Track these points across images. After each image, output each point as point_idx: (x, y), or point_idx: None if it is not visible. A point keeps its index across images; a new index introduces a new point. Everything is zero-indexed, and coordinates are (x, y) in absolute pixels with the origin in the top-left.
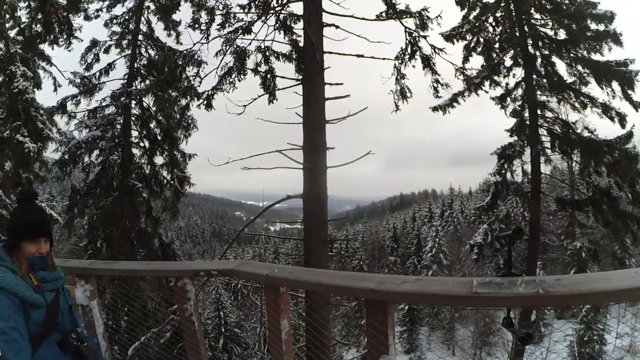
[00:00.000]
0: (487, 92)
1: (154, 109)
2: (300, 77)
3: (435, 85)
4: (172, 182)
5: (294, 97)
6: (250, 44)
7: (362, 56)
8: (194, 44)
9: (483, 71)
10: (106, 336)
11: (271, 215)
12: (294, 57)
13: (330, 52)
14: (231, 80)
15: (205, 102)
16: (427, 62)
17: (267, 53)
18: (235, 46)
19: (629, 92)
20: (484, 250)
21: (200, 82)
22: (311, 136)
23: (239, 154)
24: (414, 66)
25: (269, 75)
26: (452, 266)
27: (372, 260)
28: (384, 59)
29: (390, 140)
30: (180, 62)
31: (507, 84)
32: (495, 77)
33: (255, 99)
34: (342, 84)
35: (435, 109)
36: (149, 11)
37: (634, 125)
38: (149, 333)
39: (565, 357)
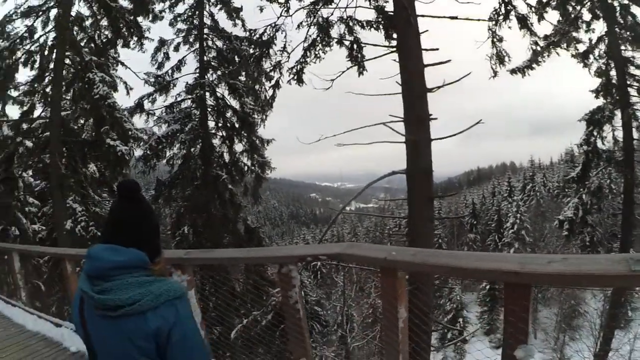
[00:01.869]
0: (567, 49)
1: (228, 98)
2: (394, 44)
3: (534, 47)
4: (253, 167)
5: (382, 69)
6: (332, 13)
7: (456, 18)
8: (278, 18)
9: (560, 27)
10: (204, 325)
11: (346, 195)
12: (382, 23)
13: (423, 15)
14: (316, 52)
15: (295, 76)
16: (524, 23)
17: (351, 23)
18: (317, 17)
19: None
20: (574, 227)
21: (288, 57)
22: (414, 106)
23: (316, 137)
24: (510, 27)
25: (355, 46)
26: (535, 243)
27: (450, 238)
28: (478, 20)
29: (466, 110)
30: (265, 38)
31: (590, 39)
32: (575, 34)
33: (344, 72)
34: (437, 49)
35: (513, 71)
36: (210, 3)
37: None
38: (251, 316)
39: None
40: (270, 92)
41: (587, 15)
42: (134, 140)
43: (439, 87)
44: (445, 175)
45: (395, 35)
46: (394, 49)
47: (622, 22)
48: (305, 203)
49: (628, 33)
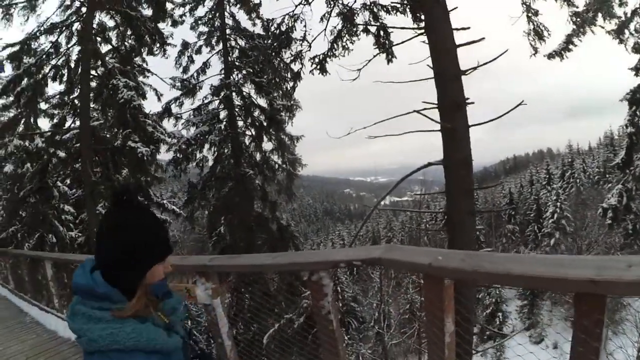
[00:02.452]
0: (602, 27)
1: (255, 97)
2: (422, 26)
3: (575, 19)
4: (284, 165)
5: (412, 54)
6: (355, 1)
7: None
8: (296, 7)
9: (592, 4)
10: (231, 335)
11: (381, 189)
12: (408, 5)
13: None
14: (343, 44)
15: (318, 65)
16: None
17: (375, 9)
18: (340, 6)
19: None
20: (619, 214)
21: (309, 46)
22: (448, 90)
23: (344, 132)
24: None
25: (381, 32)
26: (576, 233)
27: (488, 230)
28: None
29: (497, 96)
30: (284, 28)
31: (624, 13)
32: (609, 9)
33: (370, 60)
34: (469, 28)
35: (550, 55)
36: (230, 4)
37: None
38: (282, 320)
39: None
40: (291, 83)
41: None
42: (158, 142)
43: (474, 69)
44: (480, 165)
45: (423, 17)
46: (423, 31)
47: None
48: (339, 199)
49: None
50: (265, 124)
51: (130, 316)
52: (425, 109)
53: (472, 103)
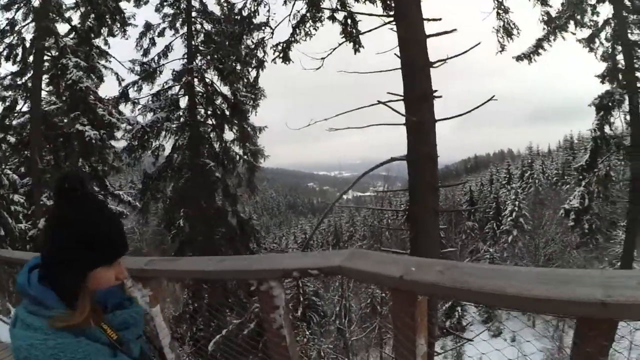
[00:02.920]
0: (574, 33)
1: (218, 84)
2: (392, 14)
3: (546, 18)
4: (245, 156)
5: (381, 43)
6: None
7: None
8: None
9: (565, 11)
10: (175, 346)
11: (343, 184)
12: None
13: None
14: (306, 30)
15: (281, 54)
16: None
17: None
18: None
19: None
20: (581, 215)
21: (272, 33)
22: (416, 82)
23: (313, 124)
24: None
25: (349, 20)
26: (534, 231)
27: (449, 227)
28: None
29: (464, 95)
30: (246, 12)
31: (596, 21)
32: (580, 18)
33: (335, 48)
34: (440, 19)
35: (519, 58)
36: None
37: None
38: (231, 325)
39: None
40: (254, 73)
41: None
42: (110, 127)
43: (443, 61)
44: (442, 163)
45: (393, 5)
46: (392, 19)
47: (628, 4)
48: (303, 193)
49: (635, 16)
50: (227, 113)
51: (70, 327)
52: (390, 100)
53: (440, 97)
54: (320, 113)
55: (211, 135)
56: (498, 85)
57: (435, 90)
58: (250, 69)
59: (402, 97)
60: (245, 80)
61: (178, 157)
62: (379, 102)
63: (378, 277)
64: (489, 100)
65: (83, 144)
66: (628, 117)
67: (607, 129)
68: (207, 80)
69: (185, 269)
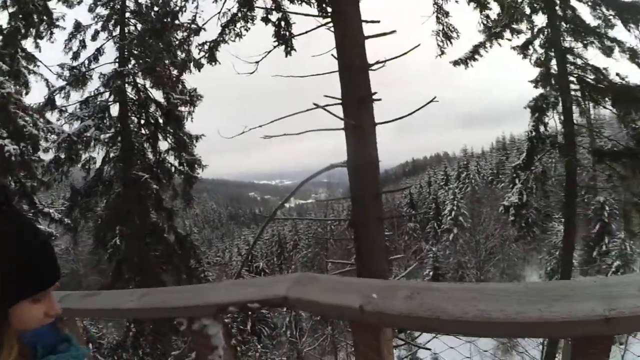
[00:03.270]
0: (509, 39)
1: (151, 90)
2: (328, 15)
3: (485, 21)
4: (181, 167)
5: (315, 46)
6: None
7: None
8: None
9: (501, 19)
10: None
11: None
12: None
13: None
14: (237, 30)
15: (207, 54)
16: None
17: None
18: None
19: None
20: (520, 211)
21: (199, 31)
22: (354, 84)
23: (252, 132)
24: (457, 1)
25: (282, 23)
26: (473, 228)
27: (391, 228)
28: None
29: (402, 99)
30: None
31: (531, 28)
32: (515, 25)
33: (269, 52)
34: (379, 21)
35: (456, 62)
36: None
37: None
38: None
39: None
40: (176, 72)
41: (527, 10)
42: (33, 139)
43: (381, 63)
44: (381, 167)
45: (330, 6)
46: (329, 20)
47: (561, 14)
48: (245, 203)
49: (568, 25)
50: (161, 120)
51: None
52: (328, 105)
53: (379, 100)
54: (258, 119)
55: (145, 146)
56: (435, 91)
57: (374, 93)
58: (172, 69)
59: (340, 101)
60: (180, 86)
61: (110, 170)
62: (316, 106)
63: (333, 308)
64: (430, 102)
65: (3, 159)
66: (562, 118)
67: (542, 129)
68: (140, 85)
69: (101, 307)
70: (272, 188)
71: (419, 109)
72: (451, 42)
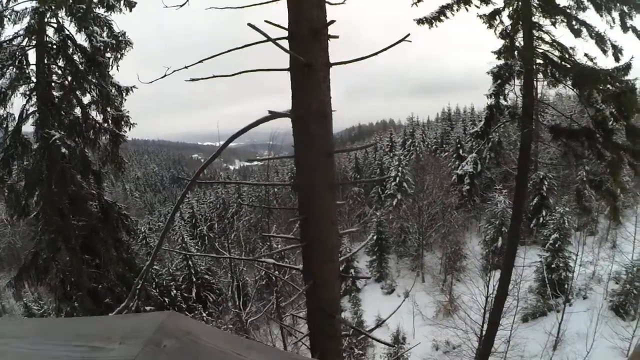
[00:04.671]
0: (478, 7)
1: (74, 31)
2: None
3: None
4: (106, 124)
5: None
6: None
7: None
8: None
9: None
10: None
11: (228, 154)
12: None
13: None
14: None
15: None
16: None
17: None
18: None
19: (629, 22)
20: (475, 180)
21: None
22: (306, 12)
23: (191, 91)
24: None
25: None
26: (416, 194)
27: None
28: None
29: (351, 68)
30: None
31: None
32: None
33: None
34: None
35: (420, 21)
36: None
37: (632, 57)
38: None
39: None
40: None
41: None
42: None
43: None
44: None
45: None
46: None
47: None
48: (187, 165)
49: (538, 2)
50: (82, 68)
51: None
52: (276, 39)
53: (337, 37)
54: (201, 73)
55: (65, 99)
56: (388, 59)
57: (331, 23)
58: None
59: (287, 34)
60: (107, 30)
61: (20, 130)
62: (253, 27)
63: None
64: (403, 39)
65: None
66: (522, 90)
67: (501, 100)
68: (60, 24)
69: None
70: (216, 150)
71: (391, 46)
72: None
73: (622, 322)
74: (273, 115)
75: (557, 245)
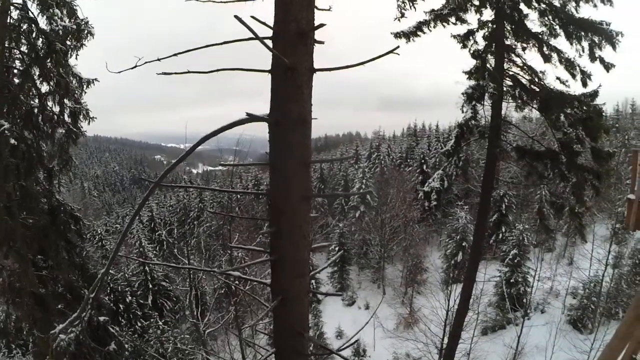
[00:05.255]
0: (455, 24)
1: (36, 12)
2: None
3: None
4: (62, 116)
5: None
6: None
7: None
8: None
9: (450, 4)
10: None
11: (193, 157)
12: None
13: None
14: None
15: None
16: None
17: None
18: None
19: (597, 52)
20: (441, 196)
21: None
22: (294, 13)
23: (159, 91)
24: None
25: None
26: (380, 207)
27: None
28: None
29: (320, 76)
30: None
31: (479, 19)
32: (462, 14)
33: None
34: None
35: (397, 35)
36: None
37: (600, 85)
38: None
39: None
40: None
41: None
42: None
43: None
44: None
45: None
46: None
47: (508, 13)
48: (149, 166)
49: (512, 26)
50: (41, 54)
51: None
52: (257, 38)
53: (322, 43)
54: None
55: (28, 87)
56: (359, 72)
57: (319, 27)
58: None
59: (271, 34)
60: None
61: None
62: (239, 19)
63: None
64: (392, 51)
65: None
66: (490, 111)
67: (471, 119)
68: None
69: None
70: (180, 152)
71: (380, 57)
72: (414, 7)
73: (580, 335)
74: (251, 118)
75: (516, 261)
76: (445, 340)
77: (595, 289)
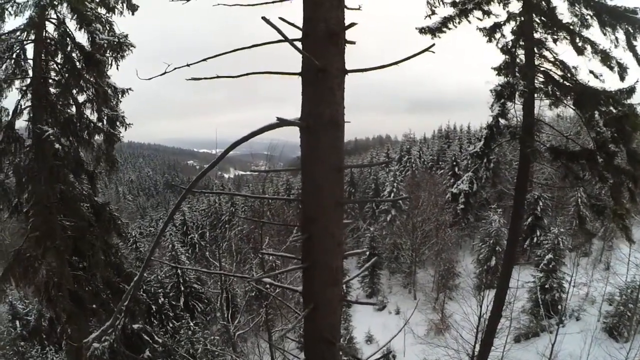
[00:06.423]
0: (480, 19)
1: (75, 27)
2: None
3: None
4: (100, 123)
5: None
6: None
7: None
8: None
9: None
10: None
11: (224, 162)
12: None
13: None
14: None
15: None
16: None
17: None
18: None
19: (634, 42)
20: (470, 199)
21: None
22: (323, 13)
23: (190, 96)
24: None
25: None
26: (411, 211)
27: None
28: None
29: (349, 79)
30: None
31: (507, 11)
32: (487, 7)
33: None
34: None
35: (422, 30)
36: None
37: (637, 81)
38: None
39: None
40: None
41: None
42: None
43: None
44: None
45: None
46: None
47: (536, 3)
48: (182, 171)
49: (540, 18)
50: (80, 66)
51: None
52: (287, 39)
53: (354, 43)
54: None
55: (64, 96)
56: (387, 75)
57: (351, 26)
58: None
59: (301, 35)
60: (108, 28)
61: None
62: (266, 21)
63: None
64: (427, 50)
65: None
66: (522, 110)
67: (501, 119)
68: (60, 19)
69: None
70: (212, 157)
71: (415, 55)
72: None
73: (615, 343)
74: (281, 122)
75: (551, 266)
76: (477, 347)
77: (632, 295)
